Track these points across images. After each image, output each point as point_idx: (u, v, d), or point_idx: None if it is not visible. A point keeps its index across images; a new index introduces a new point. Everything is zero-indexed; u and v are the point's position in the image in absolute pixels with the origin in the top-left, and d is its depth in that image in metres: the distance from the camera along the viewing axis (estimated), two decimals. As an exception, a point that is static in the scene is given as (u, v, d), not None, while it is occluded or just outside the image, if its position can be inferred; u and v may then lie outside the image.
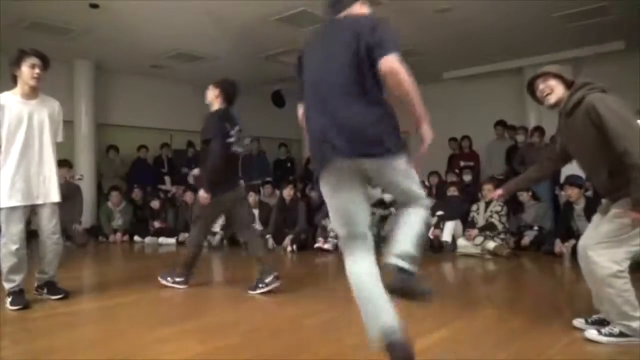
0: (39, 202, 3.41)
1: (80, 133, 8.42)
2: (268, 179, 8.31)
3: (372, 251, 2.12)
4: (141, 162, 8.83)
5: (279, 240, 6.37)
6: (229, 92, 4.19)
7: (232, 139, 4.04)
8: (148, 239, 7.31)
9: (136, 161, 8.86)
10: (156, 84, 9.53)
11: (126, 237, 7.44)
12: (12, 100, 3.42)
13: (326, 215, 6.60)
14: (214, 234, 6.90)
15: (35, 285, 3.62)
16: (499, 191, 3.10)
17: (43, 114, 3.51)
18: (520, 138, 7.40)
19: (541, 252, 5.66)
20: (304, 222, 6.59)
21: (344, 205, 2.15)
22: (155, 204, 7.78)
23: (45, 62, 3.51)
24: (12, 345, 2.54)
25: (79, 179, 7.49)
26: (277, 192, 7.37)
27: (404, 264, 1.98)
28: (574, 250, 5.09)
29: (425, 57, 8.45)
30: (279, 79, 9.92)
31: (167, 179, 9.19)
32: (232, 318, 3.07)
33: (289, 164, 10.02)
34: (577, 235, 5.24)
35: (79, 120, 8.42)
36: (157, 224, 7.57)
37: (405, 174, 2.11)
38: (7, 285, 3.34)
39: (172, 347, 2.49)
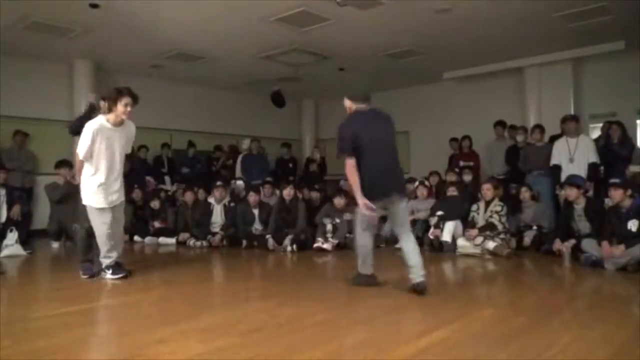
0: None
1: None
2: (268, 179, 8.30)
3: None
4: (141, 162, 8.83)
5: (279, 240, 6.36)
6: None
7: None
8: (148, 239, 7.31)
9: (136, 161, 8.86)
10: (156, 84, 9.54)
11: (126, 237, 7.42)
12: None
13: (325, 216, 6.61)
14: (214, 234, 6.90)
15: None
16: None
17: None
18: (520, 138, 7.39)
19: (541, 252, 5.67)
20: (304, 222, 6.59)
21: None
22: (155, 204, 7.78)
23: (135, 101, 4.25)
24: (12, 345, 2.54)
25: (79, 179, 7.48)
26: (277, 192, 7.37)
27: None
28: (574, 250, 5.12)
29: (425, 57, 8.46)
30: (279, 79, 9.93)
31: (167, 179, 9.20)
32: (232, 318, 3.07)
33: (291, 165, 10.02)
34: (577, 236, 5.25)
35: (79, 121, 8.42)
36: (157, 224, 7.57)
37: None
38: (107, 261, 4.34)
39: (172, 347, 2.49)
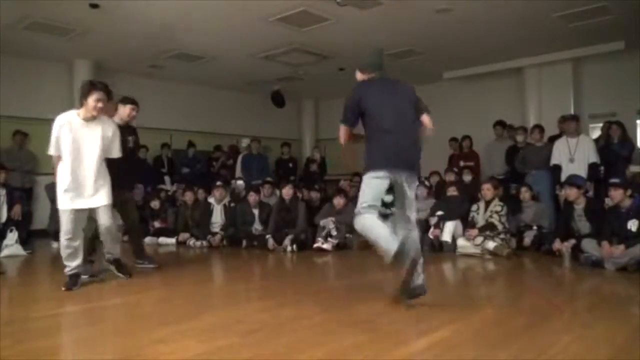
0: None
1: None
2: (268, 178, 8.30)
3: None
4: (141, 162, 8.82)
5: (279, 240, 6.36)
6: None
7: None
8: (148, 239, 7.29)
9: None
10: (156, 84, 9.54)
11: (126, 237, 7.42)
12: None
13: (325, 216, 6.62)
14: (214, 234, 6.90)
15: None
16: None
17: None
18: (520, 138, 7.39)
19: (541, 252, 5.67)
20: (304, 222, 6.59)
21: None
22: (155, 204, 7.78)
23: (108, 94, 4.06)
24: (13, 345, 2.54)
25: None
26: (277, 192, 7.37)
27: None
28: (574, 250, 5.11)
29: (425, 57, 8.46)
30: (278, 79, 9.93)
31: (167, 179, 9.19)
32: (232, 318, 3.07)
33: (290, 164, 10.02)
34: (577, 236, 5.25)
35: (79, 120, 8.42)
36: (157, 224, 7.57)
37: None
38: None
39: (172, 347, 2.49)
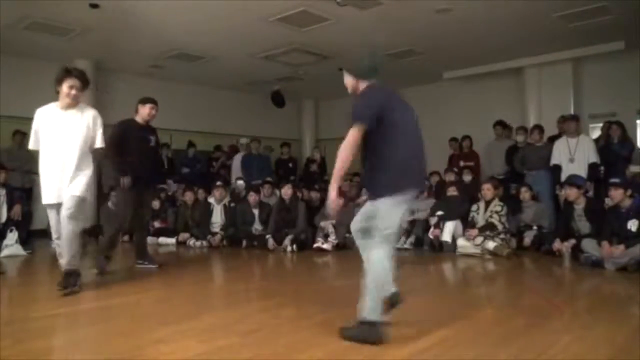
0: None
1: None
2: (268, 178, 8.30)
3: None
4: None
5: (279, 240, 6.36)
6: None
7: None
8: (148, 239, 7.28)
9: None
10: (156, 84, 9.53)
11: (126, 237, 7.43)
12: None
13: (325, 216, 6.61)
14: (214, 234, 6.90)
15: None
16: None
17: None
18: (520, 138, 7.39)
19: (541, 252, 5.67)
20: (303, 222, 6.59)
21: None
22: (155, 204, 7.77)
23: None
24: (12, 345, 2.54)
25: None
26: (277, 192, 7.37)
27: None
28: (574, 250, 5.11)
29: (425, 57, 8.46)
30: (278, 79, 9.93)
31: (170, 182, 9.18)
32: (232, 318, 3.07)
33: (290, 164, 10.02)
34: (577, 236, 5.25)
35: (79, 120, 8.42)
36: (157, 224, 7.57)
37: None
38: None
39: (172, 347, 2.49)
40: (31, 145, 3.86)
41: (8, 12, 6.19)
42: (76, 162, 3.76)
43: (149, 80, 9.40)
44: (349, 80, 3.04)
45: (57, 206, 3.75)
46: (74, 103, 3.83)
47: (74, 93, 3.78)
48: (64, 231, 3.73)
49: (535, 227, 6.02)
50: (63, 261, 3.81)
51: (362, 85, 2.95)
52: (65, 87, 3.77)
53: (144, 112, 4.77)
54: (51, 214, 3.85)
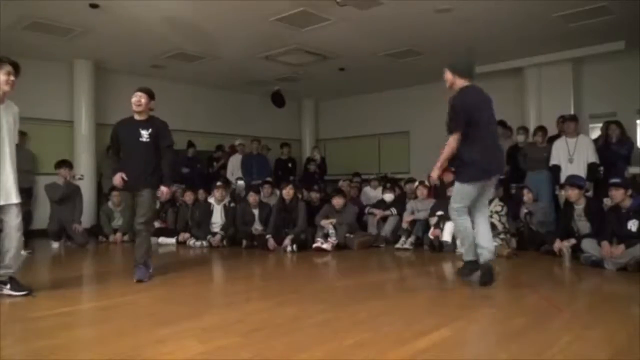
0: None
1: (80, 133, 8.43)
2: (268, 179, 8.30)
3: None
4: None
5: (279, 240, 6.36)
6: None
7: None
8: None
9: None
10: (156, 84, 9.45)
11: (126, 237, 7.44)
12: None
13: (325, 216, 6.61)
14: (214, 234, 6.90)
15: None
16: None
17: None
18: (520, 138, 7.39)
19: (541, 252, 5.67)
20: (303, 222, 6.58)
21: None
22: (155, 204, 7.77)
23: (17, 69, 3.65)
24: (12, 345, 2.54)
25: (79, 179, 7.49)
26: (277, 192, 7.37)
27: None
28: (574, 250, 5.11)
29: (425, 57, 8.46)
30: (278, 79, 9.93)
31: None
32: (232, 318, 3.07)
33: (290, 165, 10.02)
34: (577, 236, 5.25)
35: (78, 120, 8.42)
36: (157, 224, 7.56)
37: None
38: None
39: (172, 347, 2.49)
40: None
41: (8, 12, 6.19)
42: (10, 162, 3.66)
43: (149, 80, 9.36)
44: (447, 75, 3.69)
45: None
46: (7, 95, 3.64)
47: (12, 79, 3.60)
48: (13, 237, 3.64)
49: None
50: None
51: (456, 82, 3.66)
52: (2, 76, 3.54)
53: (131, 103, 4.36)
54: None
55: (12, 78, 3.59)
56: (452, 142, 3.64)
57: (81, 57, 8.29)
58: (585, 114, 8.33)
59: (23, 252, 5.89)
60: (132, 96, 4.34)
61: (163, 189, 4.35)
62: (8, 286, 3.63)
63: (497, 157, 3.82)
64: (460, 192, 3.79)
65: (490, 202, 5.89)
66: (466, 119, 3.53)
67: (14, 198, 3.61)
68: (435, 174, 3.78)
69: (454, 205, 3.84)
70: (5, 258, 3.63)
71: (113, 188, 7.84)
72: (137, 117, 4.41)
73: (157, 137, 4.42)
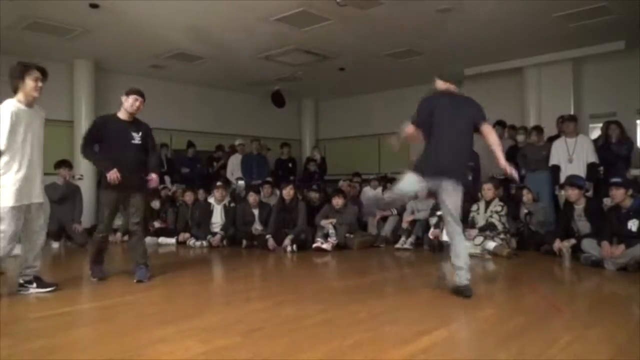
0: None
1: (80, 133, 8.36)
2: (268, 179, 8.30)
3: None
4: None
5: (279, 240, 6.36)
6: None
7: None
8: (148, 239, 7.23)
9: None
10: (156, 84, 9.53)
11: (126, 237, 7.42)
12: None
13: (325, 216, 6.61)
14: (214, 234, 6.90)
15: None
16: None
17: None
18: (520, 138, 7.38)
19: (541, 252, 5.67)
20: (303, 222, 6.58)
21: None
22: (155, 204, 7.78)
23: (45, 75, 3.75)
24: (12, 345, 2.54)
25: (79, 179, 7.48)
26: (277, 192, 7.36)
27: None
28: (574, 250, 5.11)
29: (425, 57, 8.46)
30: (278, 79, 9.93)
31: (167, 178, 9.19)
32: (232, 318, 3.07)
33: (290, 165, 10.02)
34: (577, 236, 5.25)
35: (79, 120, 8.42)
36: (157, 224, 7.57)
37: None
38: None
39: (172, 347, 2.49)
40: (3, 146, 3.60)
41: (8, 12, 6.19)
42: (41, 163, 4.01)
43: (149, 80, 9.39)
44: (437, 83, 4.08)
45: (27, 207, 3.77)
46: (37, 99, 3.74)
47: (40, 85, 3.68)
48: (40, 235, 4.02)
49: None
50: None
51: (442, 87, 4.01)
52: (30, 81, 3.62)
53: (127, 104, 4.29)
54: (17, 215, 3.68)
55: (40, 84, 3.66)
56: (407, 128, 3.79)
57: (81, 57, 8.29)
58: (585, 114, 8.33)
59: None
60: (130, 98, 4.32)
61: (153, 175, 4.37)
62: (34, 284, 3.84)
63: (449, 163, 3.69)
64: (406, 178, 3.77)
65: (491, 202, 5.91)
66: (424, 117, 3.70)
67: (42, 198, 3.93)
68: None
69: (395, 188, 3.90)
70: (29, 257, 3.87)
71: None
72: (125, 117, 4.37)
73: (146, 139, 4.48)
